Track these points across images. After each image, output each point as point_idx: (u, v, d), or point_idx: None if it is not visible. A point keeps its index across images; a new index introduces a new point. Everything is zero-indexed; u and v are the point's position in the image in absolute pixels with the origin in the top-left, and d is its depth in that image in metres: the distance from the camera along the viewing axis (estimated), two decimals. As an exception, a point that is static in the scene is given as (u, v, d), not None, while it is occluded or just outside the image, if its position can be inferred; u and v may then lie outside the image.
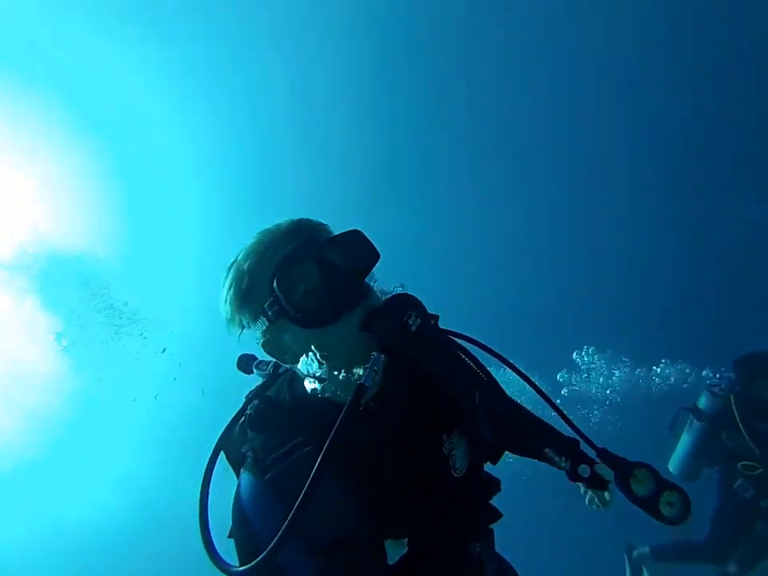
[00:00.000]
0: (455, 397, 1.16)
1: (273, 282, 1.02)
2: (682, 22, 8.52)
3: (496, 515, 1.29)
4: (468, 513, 1.18)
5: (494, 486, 1.31)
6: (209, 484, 1.14)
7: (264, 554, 0.88)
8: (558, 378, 8.45)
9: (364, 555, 1.01)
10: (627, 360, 8.20)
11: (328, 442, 0.90)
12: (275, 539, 0.87)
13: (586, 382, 8.40)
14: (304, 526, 0.90)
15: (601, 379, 8.36)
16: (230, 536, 1.07)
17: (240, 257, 1.10)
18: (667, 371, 7.66)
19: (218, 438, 1.19)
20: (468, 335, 1.34)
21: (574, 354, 8.39)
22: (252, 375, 1.35)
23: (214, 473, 1.17)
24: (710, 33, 8.42)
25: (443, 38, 9.44)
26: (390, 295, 1.11)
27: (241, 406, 1.24)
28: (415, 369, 1.11)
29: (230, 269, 1.11)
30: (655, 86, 9.04)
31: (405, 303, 1.04)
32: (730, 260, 8.56)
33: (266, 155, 10.07)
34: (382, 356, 0.97)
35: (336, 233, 1.14)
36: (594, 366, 8.39)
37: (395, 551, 1.04)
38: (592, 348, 8.33)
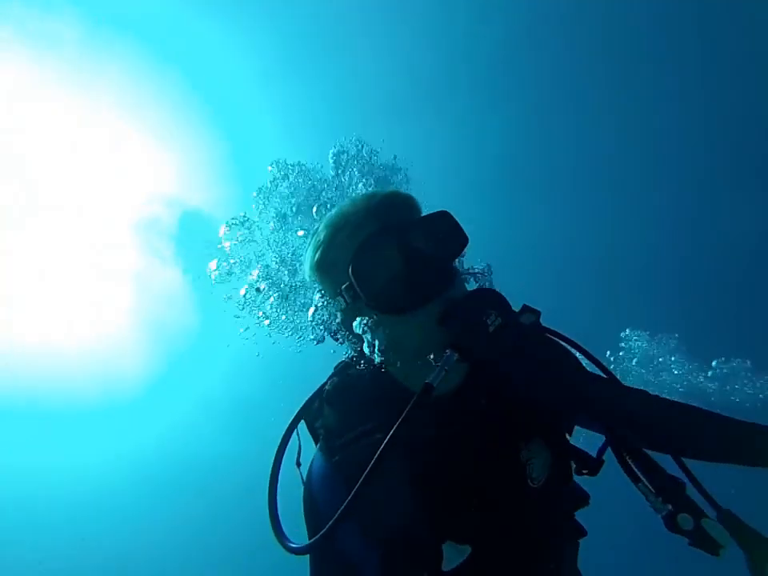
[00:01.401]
0: (536, 405, 1.07)
1: (349, 268, 0.98)
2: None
3: (578, 532, 1.16)
4: (542, 526, 1.08)
5: (580, 500, 1.16)
6: (283, 453, 1.14)
7: (320, 533, 0.90)
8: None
9: (418, 551, 0.98)
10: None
11: (390, 434, 0.88)
12: (332, 520, 0.88)
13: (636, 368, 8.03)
14: (365, 512, 0.92)
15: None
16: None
17: (321, 224, 1.06)
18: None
19: (299, 407, 1.19)
20: (569, 337, 1.20)
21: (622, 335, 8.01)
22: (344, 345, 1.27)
23: (289, 442, 1.17)
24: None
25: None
26: (474, 288, 1.05)
27: (327, 378, 1.22)
28: (496, 371, 1.04)
29: (312, 233, 1.09)
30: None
31: (486, 300, 0.98)
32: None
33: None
34: (455, 355, 0.93)
35: (423, 211, 1.08)
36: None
37: (456, 556, 0.98)
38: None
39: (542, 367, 1.09)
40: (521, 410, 1.06)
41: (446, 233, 1.04)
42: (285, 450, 1.14)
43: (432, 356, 0.95)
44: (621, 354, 8.02)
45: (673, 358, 7.79)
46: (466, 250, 1.06)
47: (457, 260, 1.09)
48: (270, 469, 1.12)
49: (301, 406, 1.19)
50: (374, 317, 1.00)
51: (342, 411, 1.08)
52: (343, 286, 1.01)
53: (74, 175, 8.12)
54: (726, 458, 1.09)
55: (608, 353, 8.05)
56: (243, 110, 9.09)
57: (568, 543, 1.18)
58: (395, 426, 0.88)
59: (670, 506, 1.05)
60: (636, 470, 1.09)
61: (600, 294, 9.46)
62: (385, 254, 0.98)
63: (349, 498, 0.87)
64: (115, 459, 10.43)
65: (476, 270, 1.10)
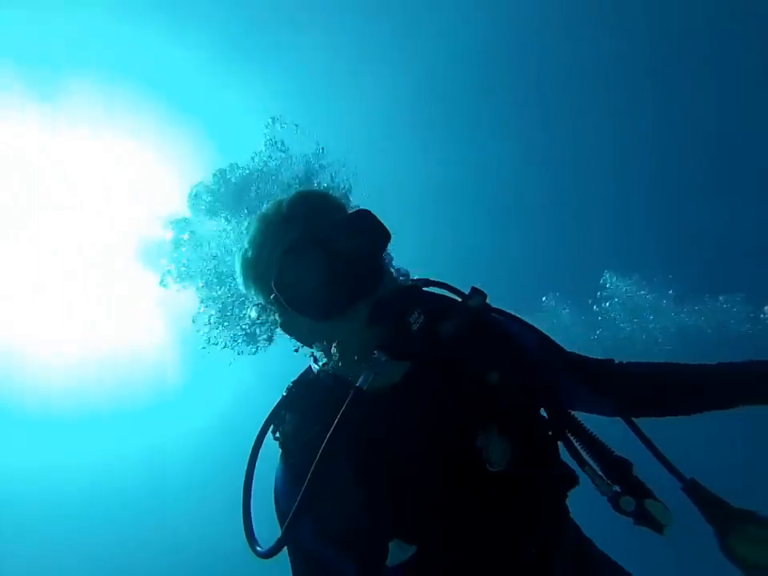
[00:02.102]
0: (482, 392, 1.05)
1: (272, 282, 1.01)
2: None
3: (560, 513, 1.13)
4: (510, 509, 1.04)
5: (565, 481, 1.11)
6: (254, 463, 1.17)
7: (280, 535, 0.97)
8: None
9: (365, 548, 1.00)
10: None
11: (329, 434, 0.93)
12: (286, 521, 0.94)
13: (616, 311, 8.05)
14: (317, 510, 0.97)
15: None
16: None
17: (246, 243, 1.08)
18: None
19: (266, 417, 1.19)
20: (515, 315, 1.21)
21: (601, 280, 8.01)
22: None
23: (260, 452, 1.18)
24: None
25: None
26: (401, 286, 1.06)
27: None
28: (439, 362, 1.06)
29: (239, 253, 1.11)
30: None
31: (409, 299, 1.00)
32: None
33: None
34: (384, 356, 0.95)
35: (339, 207, 1.08)
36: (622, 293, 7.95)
37: (400, 554, 0.97)
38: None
39: (480, 358, 1.08)
40: (471, 397, 1.05)
41: (367, 232, 1.03)
42: (256, 459, 1.17)
43: (360, 358, 0.98)
44: (606, 303, 8.05)
45: (664, 302, 7.83)
46: (389, 246, 1.05)
47: (386, 258, 1.08)
48: (244, 478, 1.15)
49: (269, 413, 1.19)
50: (308, 323, 1.03)
51: (298, 415, 1.10)
52: (271, 296, 1.03)
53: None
54: (709, 406, 1.14)
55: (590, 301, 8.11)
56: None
57: (552, 524, 1.13)
58: (332, 428, 0.93)
59: (616, 488, 1.05)
60: (582, 452, 1.10)
61: (576, 235, 9.36)
62: (306, 262, 0.99)
63: (299, 498, 0.93)
64: (159, 455, 10.58)
65: (401, 272, 1.10)
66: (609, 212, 9.17)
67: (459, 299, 1.15)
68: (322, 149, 1.26)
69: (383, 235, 1.04)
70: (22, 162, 7.27)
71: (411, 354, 0.99)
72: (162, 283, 1.32)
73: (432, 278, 1.21)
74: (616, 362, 1.24)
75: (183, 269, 1.33)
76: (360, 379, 0.95)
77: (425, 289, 1.15)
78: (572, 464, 1.13)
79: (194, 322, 1.25)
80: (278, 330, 1.15)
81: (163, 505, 10.65)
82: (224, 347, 1.23)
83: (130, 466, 10.18)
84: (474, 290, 1.13)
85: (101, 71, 7.46)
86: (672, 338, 7.86)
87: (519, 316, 1.24)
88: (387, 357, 0.95)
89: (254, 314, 1.14)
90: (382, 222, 1.05)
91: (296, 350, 1.19)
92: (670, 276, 7.77)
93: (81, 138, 7.35)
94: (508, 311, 1.23)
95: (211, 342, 1.24)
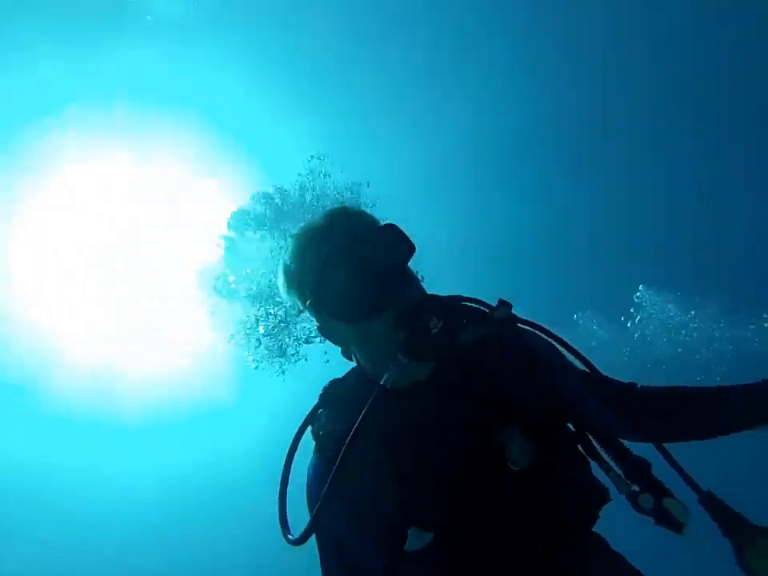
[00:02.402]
0: (502, 394, 1.12)
1: (308, 289, 1.14)
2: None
3: (584, 517, 1.14)
4: (529, 508, 1.07)
5: (594, 495, 1.13)
6: (293, 455, 1.23)
7: (309, 520, 1.06)
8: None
9: (385, 532, 1.05)
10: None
11: (356, 424, 1.02)
12: (317, 502, 1.03)
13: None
14: (346, 496, 1.06)
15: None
16: None
17: (286, 256, 1.21)
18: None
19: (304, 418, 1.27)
20: (542, 326, 1.26)
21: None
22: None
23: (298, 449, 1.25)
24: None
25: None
26: (425, 294, 1.16)
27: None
28: (459, 365, 1.14)
29: (281, 262, 1.23)
30: None
31: (432, 305, 1.08)
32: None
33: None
34: (406, 358, 1.04)
35: (371, 222, 1.18)
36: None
37: (416, 541, 1.03)
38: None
39: (500, 362, 1.15)
40: (491, 398, 1.11)
41: (394, 244, 1.14)
42: (295, 451, 1.23)
43: (386, 359, 1.06)
44: (637, 317, 7.76)
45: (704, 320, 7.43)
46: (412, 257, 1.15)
47: (413, 269, 1.18)
48: (282, 469, 1.22)
49: (308, 412, 1.27)
50: (342, 327, 1.13)
51: (331, 411, 1.19)
52: (308, 302, 1.16)
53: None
54: (726, 431, 1.14)
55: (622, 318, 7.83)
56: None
57: (570, 529, 1.13)
58: (358, 420, 1.02)
59: (635, 487, 1.09)
60: (601, 451, 1.14)
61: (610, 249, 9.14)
62: (339, 271, 1.10)
63: (328, 480, 1.02)
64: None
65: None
66: (642, 221, 9.00)
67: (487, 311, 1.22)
68: (368, 184, 1.42)
69: (409, 247, 1.14)
70: (110, 185, 7.80)
71: (429, 356, 1.08)
72: (215, 291, 1.49)
73: (464, 295, 1.28)
74: (639, 386, 1.23)
75: (230, 282, 1.50)
76: (384, 378, 1.05)
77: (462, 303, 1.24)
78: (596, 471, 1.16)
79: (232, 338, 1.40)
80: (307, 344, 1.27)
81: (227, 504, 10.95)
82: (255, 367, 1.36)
83: (194, 471, 10.56)
84: (500, 301, 1.22)
85: (181, 109, 8.00)
86: (718, 356, 7.51)
87: (550, 329, 1.26)
88: (409, 358, 1.04)
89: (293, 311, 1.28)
90: (407, 235, 1.15)
91: (327, 361, 1.30)
92: (713, 291, 7.45)
93: (158, 163, 7.87)
94: (538, 323, 1.26)
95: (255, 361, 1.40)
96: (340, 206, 1.31)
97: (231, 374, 9.67)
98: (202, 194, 7.99)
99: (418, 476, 1.07)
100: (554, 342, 1.26)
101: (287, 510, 1.17)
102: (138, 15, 7.04)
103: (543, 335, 1.25)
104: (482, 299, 1.28)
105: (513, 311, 1.22)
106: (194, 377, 9.75)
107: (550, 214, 9.26)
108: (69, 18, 6.88)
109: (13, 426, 9.25)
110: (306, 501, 1.20)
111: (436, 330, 1.03)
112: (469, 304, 1.26)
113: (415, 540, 1.03)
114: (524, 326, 1.24)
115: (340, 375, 1.28)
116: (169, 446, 10.38)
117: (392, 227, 1.16)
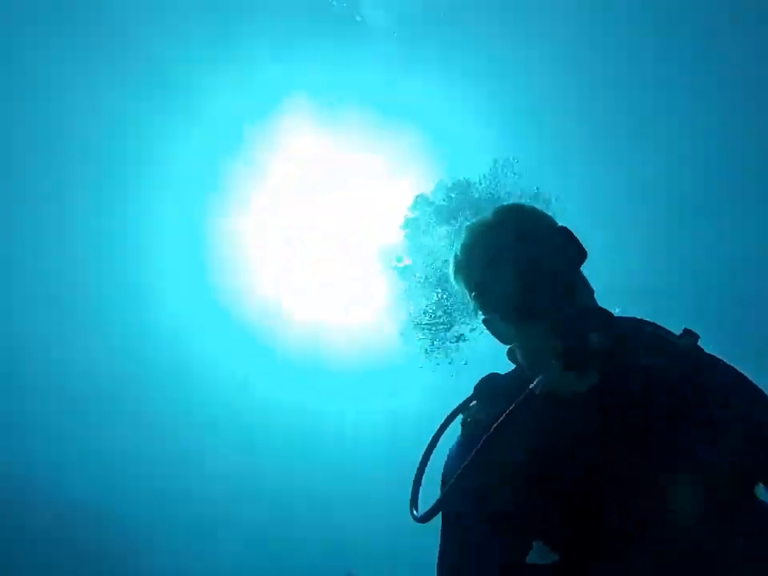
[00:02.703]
0: (675, 430, 0.97)
1: (473, 284, 1.17)
2: None
3: None
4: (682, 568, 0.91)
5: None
6: (436, 442, 1.25)
7: (438, 498, 1.04)
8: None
9: (511, 535, 1.00)
10: None
11: (503, 417, 0.98)
12: (445, 491, 1.01)
13: None
14: (481, 484, 1.02)
15: None
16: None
17: (457, 247, 1.23)
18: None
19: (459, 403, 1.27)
20: (728, 363, 1.09)
21: None
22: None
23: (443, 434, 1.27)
24: None
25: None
26: (594, 305, 1.07)
27: None
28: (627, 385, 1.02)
29: (453, 255, 1.26)
30: None
31: (600, 318, 0.99)
32: None
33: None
34: (558, 366, 0.98)
35: (544, 222, 1.16)
36: None
37: (539, 558, 0.97)
38: None
39: (659, 388, 1.01)
40: (659, 430, 0.97)
41: (565, 247, 1.09)
42: (438, 439, 1.25)
43: (541, 364, 1.01)
44: None
45: None
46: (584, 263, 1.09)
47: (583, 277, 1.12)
48: (421, 456, 1.24)
49: (460, 402, 1.27)
50: (504, 324, 1.13)
51: (481, 403, 1.18)
52: (472, 294, 1.18)
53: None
54: None
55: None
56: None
57: None
58: (504, 415, 0.98)
59: None
60: None
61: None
62: (505, 269, 1.09)
63: (465, 462, 0.98)
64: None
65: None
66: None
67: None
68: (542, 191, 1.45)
69: (579, 252, 1.08)
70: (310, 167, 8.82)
71: (584, 367, 0.99)
72: (397, 270, 1.66)
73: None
74: None
75: (409, 263, 1.68)
76: (534, 381, 0.99)
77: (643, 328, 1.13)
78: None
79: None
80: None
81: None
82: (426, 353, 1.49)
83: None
84: (686, 330, 1.09)
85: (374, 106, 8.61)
86: None
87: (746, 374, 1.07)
88: (561, 367, 0.98)
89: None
90: (579, 240, 1.09)
91: (465, 363, 1.35)
92: None
93: (350, 151, 8.63)
94: (730, 364, 1.09)
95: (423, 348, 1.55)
96: (514, 203, 1.27)
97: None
98: (395, 182, 8.57)
99: (557, 491, 0.99)
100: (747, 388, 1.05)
101: (419, 491, 1.18)
102: (347, 15, 7.64)
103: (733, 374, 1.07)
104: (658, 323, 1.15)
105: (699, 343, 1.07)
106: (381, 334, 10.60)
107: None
108: (285, 19, 7.53)
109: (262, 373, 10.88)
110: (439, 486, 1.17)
111: (598, 344, 0.95)
112: (647, 328, 1.13)
113: (538, 556, 0.97)
114: (710, 362, 1.08)
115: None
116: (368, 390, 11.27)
117: (565, 230, 1.12)
